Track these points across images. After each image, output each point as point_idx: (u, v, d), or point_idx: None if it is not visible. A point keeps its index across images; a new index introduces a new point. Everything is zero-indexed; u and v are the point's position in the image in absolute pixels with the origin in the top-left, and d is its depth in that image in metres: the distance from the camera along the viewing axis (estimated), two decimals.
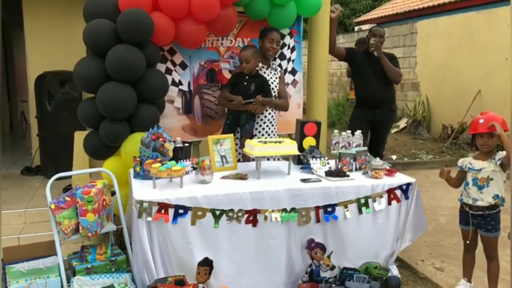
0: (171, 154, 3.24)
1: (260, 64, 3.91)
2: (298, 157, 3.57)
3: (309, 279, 3.13)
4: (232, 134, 3.56)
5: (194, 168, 3.19)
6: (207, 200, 2.87)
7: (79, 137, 4.06)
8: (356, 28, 14.53)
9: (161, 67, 3.97)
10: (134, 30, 3.33)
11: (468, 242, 3.12)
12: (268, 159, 3.69)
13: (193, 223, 2.84)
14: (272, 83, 3.94)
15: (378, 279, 3.13)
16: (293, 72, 4.57)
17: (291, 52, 4.53)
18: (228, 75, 4.27)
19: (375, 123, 4.77)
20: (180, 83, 4.14)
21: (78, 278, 2.87)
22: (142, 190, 2.89)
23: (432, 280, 3.43)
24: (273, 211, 2.99)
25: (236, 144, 3.78)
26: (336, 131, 3.82)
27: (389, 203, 3.22)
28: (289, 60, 4.52)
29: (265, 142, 3.28)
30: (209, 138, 3.42)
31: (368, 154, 3.55)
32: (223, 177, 3.22)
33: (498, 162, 2.99)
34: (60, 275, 2.91)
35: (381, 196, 3.19)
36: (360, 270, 3.17)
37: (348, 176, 3.27)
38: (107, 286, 2.81)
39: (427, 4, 10.64)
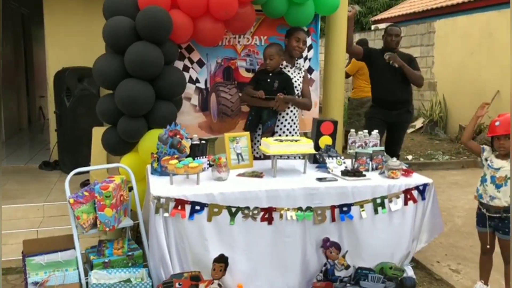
0: (188, 151, 3.27)
1: (284, 63, 3.95)
2: (314, 156, 3.56)
3: (323, 278, 3.13)
4: (248, 132, 3.58)
5: (210, 165, 3.21)
6: (223, 197, 2.89)
7: (97, 132, 4.11)
8: (372, 27, 14.42)
9: (179, 64, 4.00)
10: (153, 28, 3.35)
11: (488, 246, 3.09)
12: (288, 157, 3.68)
13: (209, 219, 2.86)
14: (295, 81, 3.95)
15: (393, 279, 3.12)
16: (310, 70, 4.55)
17: (308, 51, 4.51)
18: (244, 73, 4.29)
19: (392, 123, 4.74)
20: (197, 80, 4.17)
21: (96, 271, 2.91)
22: (160, 186, 2.92)
23: (448, 282, 3.40)
24: (288, 209, 3.00)
25: (258, 141, 3.81)
26: (352, 130, 3.81)
27: (406, 204, 3.20)
28: (306, 58, 4.50)
29: (281, 141, 3.29)
30: (225, 135, 3.44)
31: (385, 154, 3.53)
32: (239, 175, 3.24)
33: None
34: (78, 268, 2.95)
35: (397, 197, 3.18)
36: (375, 270, 3.16)
37: (364, 175, 3.26)
38: (123, 280, 2.86)
39: (445, 3, 10.52)
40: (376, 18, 14.47)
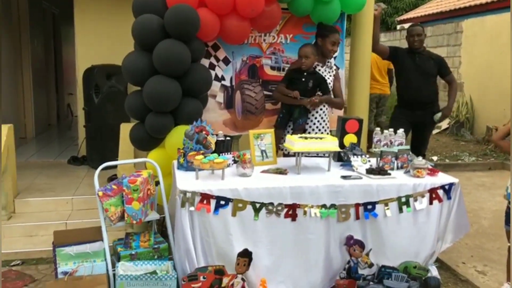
0: (213, 147, 3.31)
1: (315, 62, 3.97)
2: (338, 154, 3.57)
3: (347, 276, 3.13)
4: (272, 130, 3.60)
5: (235, 161, 3.25)
6: (247, 192, 2.92)
7: (125, 128, 4.20)
8: (398, 27, 14.26)
9: (205, 62, 4.05)
10: (180, 25, 3.41)
11: None
12: (317, 154, 3.70)
13: (233, 214, 2.90)
14: (327, 80, 3.99)
15: (417, 279, 3.11)
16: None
17: None
18: (269, 71, 4.32)
19: (417, 124, 4.70)
20: (222, 78, 4.21)
21: (123, 263, 2.98)
22: (186, 181, 2.97)
23: (473, 283, 3.36)
24: (312, 206, 3.01)
25: None
26: (378, 128, 3.80)
27: (431, 203, 3.17)
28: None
29: (306, 138, 3.31)
30: (250, 132, 3.47)
31: (410, 153, 3.51)
32: (263, 171, 3.27)
33: None
34: (105, 259, 3.03)
35: (422, 196, 3.16)
36: (399, 269, 3.14)
37: (389, 174, 3.25)
38: (149, 272, 2.92)
39: (473, 2, 10.32)
40: (402, 18, 14.29)
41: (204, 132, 3.29)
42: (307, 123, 3.96)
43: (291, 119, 3.93)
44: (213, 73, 4.09)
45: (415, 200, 3.14)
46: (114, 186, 3.04)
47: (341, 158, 3.56)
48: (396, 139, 3.68)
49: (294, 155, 3.43)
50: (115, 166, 4.15)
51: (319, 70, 4.01)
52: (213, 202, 2.87)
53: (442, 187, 3.20)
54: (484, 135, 8.45)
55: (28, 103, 7.28)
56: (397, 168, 3.41)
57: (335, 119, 3.93)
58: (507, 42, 8.46)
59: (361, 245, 3.10)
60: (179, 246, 2.91)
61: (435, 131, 9.20)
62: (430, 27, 10.41)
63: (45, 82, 8.24)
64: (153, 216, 3.19)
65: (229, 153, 3.38)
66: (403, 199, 3.13)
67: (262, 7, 3.69)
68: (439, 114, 4.64)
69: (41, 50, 7.96)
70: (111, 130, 4.89)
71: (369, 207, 3.09)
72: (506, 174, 3.20)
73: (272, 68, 4.32)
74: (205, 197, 2.86)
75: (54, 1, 8.43)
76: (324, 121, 4.02)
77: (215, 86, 4.15)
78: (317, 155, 3.79)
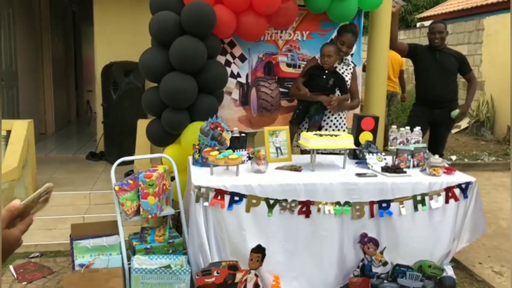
0: (228, 143, 3.33)
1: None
2: (354, 152, 3.55)
3: (360, 274, 3.12)
4: (287, 127, 3.60)
5: (249, 158, 3.26)
6: (261, 189, 2.93)
7: (142, 124, 4.25)
8: (418, 24, 14.08)
9: (221, 59, 4.07)
10: (197, 22, 3.44)
11: None
12: (333, 152, 3.70)
13: (247, 210, 2.91)
14: (346, 81, 3.99)
15: (432, 278, 3.07)
16: None
17: None
18: (285, 68, 4.31)
19: (434, 123, 4.64)
20: (238, 75, 4.23)
21: (138, 257, 3.03)
22: (200, 176, 3.00)
23: (490, 284, 3.31)
24: (326, 203, 3.01)
25: None
26: (394, 126, 3.77)
27: (447, 202, 3.14)
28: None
29: (321, 135, 3.30)
30: (265, 129, 3.48)
31: (427, 151, 3.47)
32: (278, 168, 3.27)
33: None
34: (121, 253, 3.08)
35: (438, 194, 3.12)
36: (414, 267, 3.11)
37: (405, 172, 3.22)
38: (164, 266, 2.95)
39: None
40: (422, 15, 14.11)
41: (219, 129, 3.31)
42: (324, 120, 3.96)
43: (307, 116, 3.92)
44: (229, 70, 4.11)
45: (431, 198, 3.11)
46: (130, 181, 3.08)
47: (357, 155, 3.54)
48: (412, 137, 3.64)
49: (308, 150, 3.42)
50: (132, 162, 4.21)
51: (336, 67, 3.99)
52: (227, 198, 2.89)
53: (459, 186, 3.16)
54: (504, 135, 8.29)
55: (48, 99, 7.42)
56: (413, 166, 3.38)
57: (352, 116, 3.91)
58: None
59: (375, 243, 3.09)
60: (193, 241, 2.94)
61: (454, 131, 9.07)
62: (450, 24, 10.24)
63: (65, 79, 8.38)
64: (168, 211, 3.22)
65: (243, 149, 3.39)
66: (419, 198, 3.10)
67: (278, 4, 3.69)
68: (456, 111, 4.58)
69: (61, 47, 8.09)
70: (128, 126, 4.95)
71: (384, 205, 3.07)
72: None
73: (288, 65, 4.32)
74: (219, 193, 2.88)
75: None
76: (341, 118, 4.01)
77: (231, 83, 4.16)
78: (333, 152, 3.78)
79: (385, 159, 3.40)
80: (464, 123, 9.40)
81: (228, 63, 4.14)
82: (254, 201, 2.92)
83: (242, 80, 4.25)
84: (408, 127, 3.73)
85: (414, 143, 3.60)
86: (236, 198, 2.90)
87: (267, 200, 2.93)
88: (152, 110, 3.74)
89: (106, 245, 3.09)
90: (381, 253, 3.10)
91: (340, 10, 4.07)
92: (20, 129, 4.32)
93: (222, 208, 2.88)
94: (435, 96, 4.58)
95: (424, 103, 4.70)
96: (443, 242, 3.19)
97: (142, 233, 3.26)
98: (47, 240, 3.82)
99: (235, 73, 4.21)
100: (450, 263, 3.30)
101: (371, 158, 3.38)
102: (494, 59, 9.23)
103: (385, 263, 3.10)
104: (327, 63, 3.82)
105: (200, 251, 2.93)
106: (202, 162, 3.22)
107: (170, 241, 3.19)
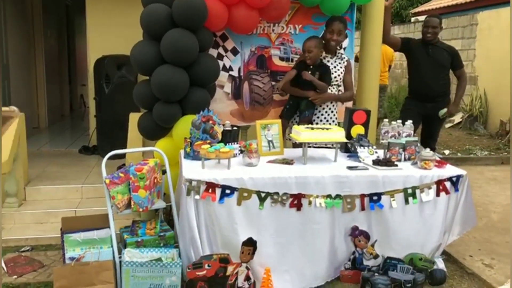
0: (220, 136, 3.32)
1: (324, 54, 3.95)
2: (345, 145, 3.55)
3: (351, 267, 3.14)
4: (279, 120, 3.59)
5: (241, 151, 3.26)
6: (253, 182, 2.93)
7: (134, 118, 4.22)
8: (412, 19, 14.08)
9: (213, 52, 4.06)
10: (188, 15, 3.42)
11: None
12: (325, 145, 3.69)
13: (238, 203, 2.91)
14: (336, 71, 3.96)
15: (423, 271, 3.10)
16: None
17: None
18: (278, 62, 4.30)
19: (427, 116, 4.65)
20: (230, 68, 4.22)
21: (129, 250, 3.02)
22: (192, 170, 2.99)
23: (480, 276, 3.33)
24: (317, 196, 3.01)
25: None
26: (386, 120, 3.77)
27: (438, 195, 3.15)
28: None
29: (312, 128, 3.30)
30: (257, 122, 3.47)
31: (418, 144, 3.48)
32: (270, 161, 3.27)
33: None
34: (112, 246, 3.06)
35: (429, 187, 3.13)
36: (405, 260, 3.14)
37: (396, 165, 3.23)
38: (155, 259, 2.95)
39: None
40: (416, 10, 14.12)
41: (210, 122, 3.30)
42: (315, 114, 3.95)
43: (298, 111, 3.92)
44: (221, 63, 4.10)
45: (422, 191, 3.12)
46: (121, 174, 3.06)
47: (348, 149, 3.55)
48: (404, 130, 3.65)
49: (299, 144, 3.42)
50: (124, 155, 4.19)
51: (328, 61, 3.98)
52: (218, 191, 2.88)
53: (450, 179, 3.17)
54: (497, 129, 8.33)
55: (41, 93, 7.37)
56: (405, 160, 3.39)
57: (344, 110, 3.90)
58: None
59: (366, 236, 3.10)
60: (184, 234, 2.94)
61: (447, 125, 9.11)
62: (444, 19, 10.22)
63: (58, 73, 8.33)
64: (160, 204, 3.21)
65: (235, 142, 3.39)
66: (410, 191, 3.11)
67: None
68: (444, 110, 4.58)
69: (54, 41, 8.03)
70: (121, 120, 4.91)
71: (375, 198, 3.08)
72: None
73: (281, 58, 4.31)
74: (211, 186, 2.88)
75: None
76: (332, 112, 4.00)
77: (223, 76, 4.15)
78: (325, 146, 3.79)
79: (376, 152, 3.41)
80: (457, 118, 9.44)
81: (220, 57, 4.13)
82: (245, 194, 2.92)
83: (235, 73, 4.24)
84: (400, 121, 3.73)
85: (406, 136, 3.61)
86: (228, 191, 2.89)
87: (258, 193, 2.93)
88: (143, 103, 3.72)
89: (97, 238, 3.07)
90: (372, 246, 3.11)
91: (332, 3, 4.06)
92: None
93: (213, 201, 2.88)
94: (428, 90, 4.59)
95: (417, 97, 4.71)
96: (434, 235, 3.21)
97: (133, 226, 3.26)
98: (38, 234, 3.80)
99: (227, 67, 4.20)
100: (441, 256, 3.32)
101: (362, 152, 3.39)
102: (487, 54, 9.26)
103: (376, 256, 3.11)
104: (310, 58, 3.81)
105: (191, 244, 2.93)
106: (193, 155, 3.22)
107: (161, 234, 3.19)
